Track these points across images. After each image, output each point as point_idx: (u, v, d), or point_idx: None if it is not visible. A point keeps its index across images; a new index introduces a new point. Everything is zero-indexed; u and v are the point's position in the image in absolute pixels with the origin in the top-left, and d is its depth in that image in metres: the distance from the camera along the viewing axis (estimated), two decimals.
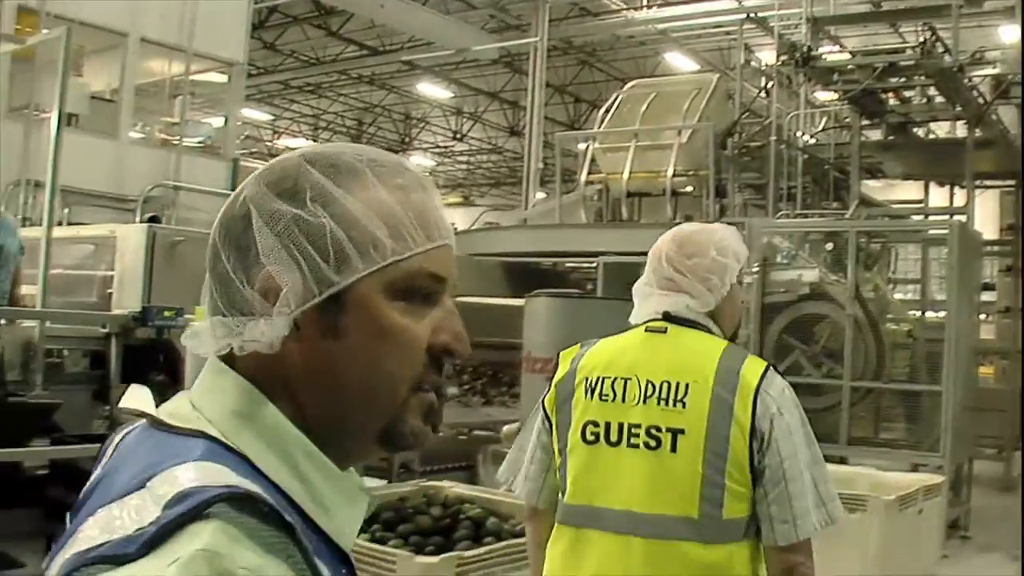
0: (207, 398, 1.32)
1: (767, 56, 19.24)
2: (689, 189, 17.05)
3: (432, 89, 34.78)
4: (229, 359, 1.33)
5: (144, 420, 1.34)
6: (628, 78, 22.50)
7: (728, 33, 24.49)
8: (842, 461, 10.50)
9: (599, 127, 18.01)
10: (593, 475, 3.24)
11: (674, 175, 16.45)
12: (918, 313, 14.55)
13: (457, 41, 24.99)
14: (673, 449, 3.10)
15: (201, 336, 1.35)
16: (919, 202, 19.17)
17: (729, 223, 11.24)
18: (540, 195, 22.67)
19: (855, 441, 11.09)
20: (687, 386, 3.12)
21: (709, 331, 3.27)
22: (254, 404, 1.30)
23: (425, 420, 1.37)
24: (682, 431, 3.10)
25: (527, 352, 10.14)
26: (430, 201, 1.39)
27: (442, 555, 4.92)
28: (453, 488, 6.37)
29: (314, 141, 41.40)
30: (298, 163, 1.35)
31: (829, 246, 13.36)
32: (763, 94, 18.73)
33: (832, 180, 18.36)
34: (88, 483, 1.31)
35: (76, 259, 12.51)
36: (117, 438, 1.38)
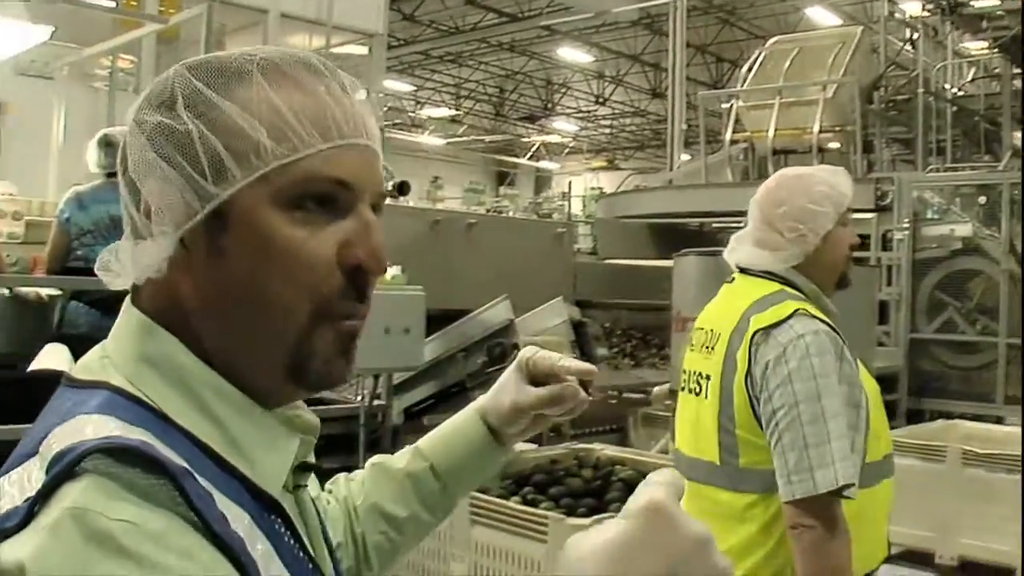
0: (114, 342, 1.23)
1: (911, 7, 18.83)
2: (835, 145, 16.80)
3: (572, 53, 34.64)
4: (137, 294, 1.24)
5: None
6: (769, 35, 22.16)
7: None
8: (998, 421, 10.29)
9: (742, 85, 17.83)
10: (677, 421, 3.46)
11: (820, 131, 16.23)
12: None
13: (596, 4, 24.83)
14: (705, 395, 3.21)
15: (111, 267, 1.23)
16: None
17: (878, 178, 11.01)
18: (685, 156, 22.44)
19: (1011, 400, 10.82)
20: (719, 334, 3.20)
21: (783, 280, 3.26)
22: (154, 342, 1.19)
23: (341, 353, 1.23)
24: (708, 377, 3.20)
25: (676, 312, 10.05)
26: (335, 99, 1.22)
27: (594, 517, 4.92)
28: (604, 450, 6.37)
29: (456, 110, 41.60)
30: (179, 71, 1.22)
31: (982, 200, 13.05)
32: (908, 46, 18.36)
33: (983, 132, 17.94)
34: None
35: None
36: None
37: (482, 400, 1.72)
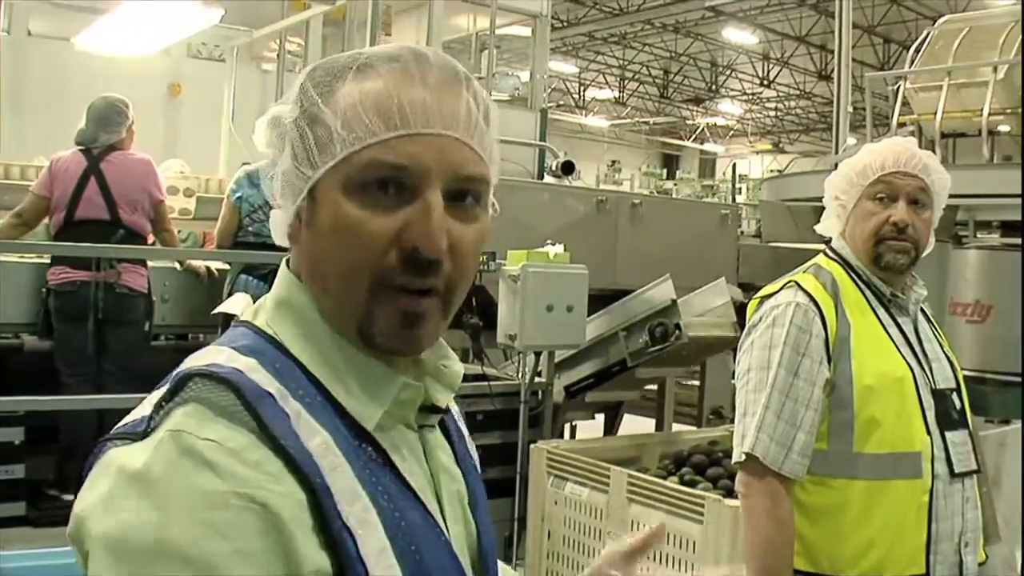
0: (272, 290, 1.46)
1: None
2: (1007, 128, 16.38)
3: (737, 35, 34.28)
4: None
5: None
6: (939, 14, 21.69)
7: None
8: None
9: (910, 66, 17.48)
10: None
11: (990, 114, 15.84)
12: None
13: None
14: None
15: (272, 228, 1.46)
16: None
17: None
18: (851, 140, 22.09)
19: None
20: None
21: (835, 253, 3.26)
22: (291, 291, 1.42)
23: (401, 323, 1.35)
24: None
25: None
26: (411, 90, 1.36)
27: None
28: None
29: (621, 92, 41.52)
30: (307, 71, 1.43)
31: None
32: None
33: None
34: None
35: None
36: None
37: None
